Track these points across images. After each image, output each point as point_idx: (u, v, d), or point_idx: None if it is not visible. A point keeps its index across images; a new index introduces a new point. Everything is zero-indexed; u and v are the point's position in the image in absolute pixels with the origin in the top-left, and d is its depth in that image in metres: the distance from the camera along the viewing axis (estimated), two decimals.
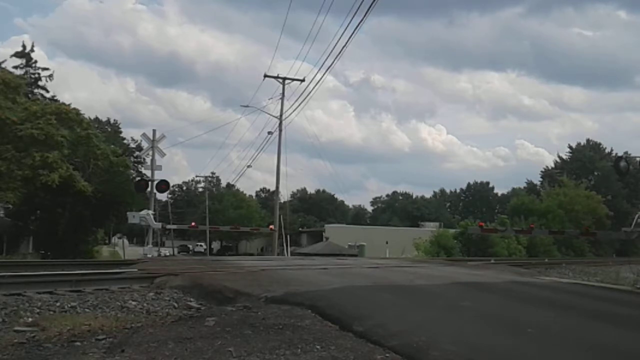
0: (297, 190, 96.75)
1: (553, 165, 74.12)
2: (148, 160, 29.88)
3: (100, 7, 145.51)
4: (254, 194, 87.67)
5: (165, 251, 42.80)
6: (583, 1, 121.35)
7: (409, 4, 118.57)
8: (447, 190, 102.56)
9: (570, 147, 74.24)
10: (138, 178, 32.52)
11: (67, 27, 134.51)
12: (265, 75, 37.33)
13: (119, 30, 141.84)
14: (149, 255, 25.13)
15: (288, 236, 39.81)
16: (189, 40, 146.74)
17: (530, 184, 72.53)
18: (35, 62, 41.53)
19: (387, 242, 41.73)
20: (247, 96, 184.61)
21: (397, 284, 10.75)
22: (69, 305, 7.53)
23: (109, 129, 51.47)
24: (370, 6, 16.61)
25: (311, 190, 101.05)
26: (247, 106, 48.65)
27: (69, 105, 29.26)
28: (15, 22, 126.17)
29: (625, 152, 32.30)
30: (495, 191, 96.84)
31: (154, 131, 28.56)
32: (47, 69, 42.26)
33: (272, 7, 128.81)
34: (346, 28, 26.33)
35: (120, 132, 54.11)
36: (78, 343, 5.26)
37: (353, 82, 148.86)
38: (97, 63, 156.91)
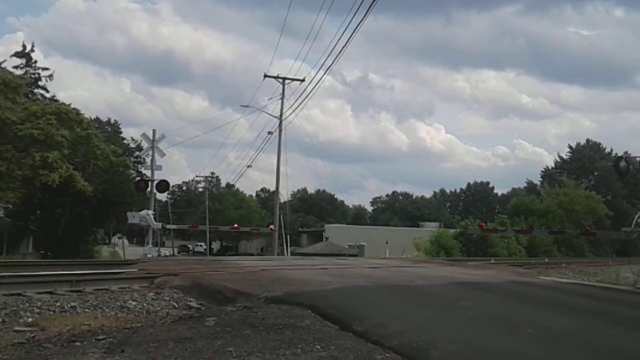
0: (297, 190, 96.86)
1: (553, 165, 74.15)
2: (148, 160, 29.96)
3: (93, 6, 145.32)
4: (254, 194, 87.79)
5: (165, 251, 42.76)
6: None
7: (406, 2, 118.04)
8: (447, 190, 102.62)
9: (570, 147, 74.32)
10: (138, 178, 32.52)
11: (61, 26, 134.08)
12: (266, 75, 37.29)
13: (113, 29, 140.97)
14: (149, 255, 25.14)
15: (288, 236, 39.76)
16: (183, 39, 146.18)
17: (530, 184, 72.58)
18: (35, 62, 41.65)
19: (387, 242, 41.72)
20: (245, 95, 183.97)
21: (397, 284, 10.75)
22: (69, 305, 7.53)
23: (109, 129, 51.57)
24: (370, 6, 16.53)
25: (311, 190, 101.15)
26: (247, 106, 48.40)
27: (69, 105, 29.28)
28: (8, 21, 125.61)
29: (625, 152, 32.29)
30: (495, 191, 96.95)
31: (154, 131, 28.64)
32: (47, 68, 42.40)
33: (267, 6, 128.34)
34: (346, 29, 26.21)
35: (120, 132, 54.29)
36: (78, 343, 5.26)
37: (350, 80, 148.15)
38: (91, 62, 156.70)
